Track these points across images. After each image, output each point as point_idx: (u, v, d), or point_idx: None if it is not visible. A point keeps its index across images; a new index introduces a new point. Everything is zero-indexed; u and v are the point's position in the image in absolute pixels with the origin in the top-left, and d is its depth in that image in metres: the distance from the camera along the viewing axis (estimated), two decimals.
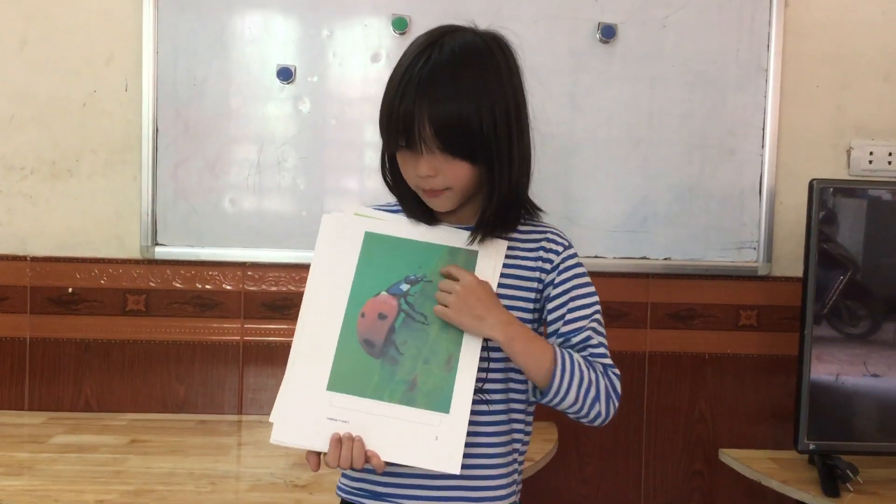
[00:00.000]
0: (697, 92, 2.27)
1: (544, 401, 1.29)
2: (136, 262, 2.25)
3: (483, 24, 1.33)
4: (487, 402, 1.30)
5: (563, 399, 1.27)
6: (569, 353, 1.28)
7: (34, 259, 2.25)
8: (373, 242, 1.32)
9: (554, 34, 2.23)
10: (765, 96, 2.27)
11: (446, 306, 1.25)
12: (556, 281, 1.33)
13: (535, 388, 1.31)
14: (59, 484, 1.71)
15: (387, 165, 1.35)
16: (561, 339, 1.32)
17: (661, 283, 2.30)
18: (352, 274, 1.30)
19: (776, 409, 2.33)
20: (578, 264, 1.35)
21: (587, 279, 1.35)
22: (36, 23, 2.23)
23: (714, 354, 2.33)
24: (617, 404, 1.30)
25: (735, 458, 2.07)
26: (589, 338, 1.32)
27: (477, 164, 1.26)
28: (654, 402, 2.33)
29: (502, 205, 1.29)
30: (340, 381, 1.25)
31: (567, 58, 2.25)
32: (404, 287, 1.28)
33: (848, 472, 1.86)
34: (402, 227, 1.33)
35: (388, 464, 1.23)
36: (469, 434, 1.27)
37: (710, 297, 2.31)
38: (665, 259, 2.29)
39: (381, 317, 1.27)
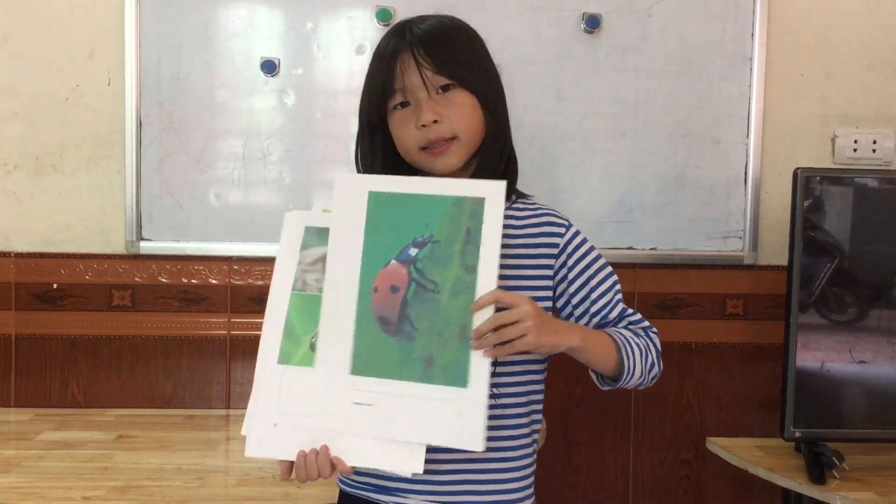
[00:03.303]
0: (682, 82, 2.27)
1: (616, 386, 1.30)
2: (122, 257, 2.24)
3: (468, 14, 1.35)
4: (499, 385, 1.28)
5: (632, 378, 1.29)
6: (620, 334, 1.29)
7: (18, 255, 2.23)
8: (377, 203, 1.28)
9: (538, 25, 2.23)
10: (749, 85, 2.28)
11: (521, 336, 1.17)
12: (569, 263, 1.33)
13: (599, 378, 1.32)
14: (47, 481, 1.70)
15: (368, 153, 1.36)
16: (597, 318, 1.33)
17: (647, 273, 2.31)
18: (360, 242, 1.28)
19: (763, 397, 2.34)
20: (585, 240, 1.36)
21: (597, 252, 1.36)
22: (17, 18, 2.21)
23: (701, 343, 2.34)
24: (660, 360, 1.34)
25: (722, 447, 2.08)
26: (624, 309, 1.34)
27: (476, 96, 1.29)
28: (642, 392, 2.33)
29: (499, 149, 1.33)
30: (363, 363, 1.24)
31: (552, 48, 2.24)
32: (413, 252, 1.25)
33: (834, 459, 1.87)
34: (405, 183, 1.30)
35: (355, 468, 1.23)
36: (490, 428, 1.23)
37: (697, 287, 2.32)
38: (651, 249, 2.29)
39: (394, 289, 1.24)
